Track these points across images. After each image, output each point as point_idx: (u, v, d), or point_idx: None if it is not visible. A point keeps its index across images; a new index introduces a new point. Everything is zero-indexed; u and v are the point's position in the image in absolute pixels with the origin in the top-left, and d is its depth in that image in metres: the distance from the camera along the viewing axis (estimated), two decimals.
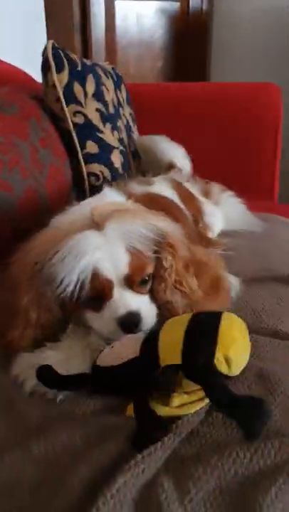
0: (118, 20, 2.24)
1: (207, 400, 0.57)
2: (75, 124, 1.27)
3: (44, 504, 0.47)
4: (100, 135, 1.30)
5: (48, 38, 1.99)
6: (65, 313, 0.71)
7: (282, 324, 0.81)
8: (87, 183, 1.29)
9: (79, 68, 1.30)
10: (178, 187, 1.18)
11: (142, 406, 0.55)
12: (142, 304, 0.70)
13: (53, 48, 1.25)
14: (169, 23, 2.47)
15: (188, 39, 2.53)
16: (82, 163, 1.28)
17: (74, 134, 1.26)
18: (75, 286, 0.65)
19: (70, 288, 0.65)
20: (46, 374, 0.60)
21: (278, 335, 0.77)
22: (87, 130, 1.28)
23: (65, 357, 0.67)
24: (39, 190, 1.09)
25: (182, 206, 1.09)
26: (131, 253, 0.69)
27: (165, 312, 0.73)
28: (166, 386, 0.56)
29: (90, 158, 1.29)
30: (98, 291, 0.67)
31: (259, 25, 2.52)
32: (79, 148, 1.27)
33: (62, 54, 1.26)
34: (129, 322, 0.67)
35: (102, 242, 0.67)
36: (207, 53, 2.59)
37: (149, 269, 0.71)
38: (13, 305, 0.70)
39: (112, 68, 1.58)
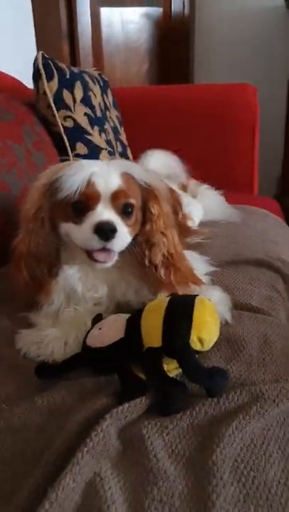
0: (104, 27, 2.34)
1: None
2: (65, 128, 1.38)
3: (47, 441, 0.57)
4: (89, 137, 1.41)
5: (37, 47, 2.09)
6: (57, 236, 0.80)
7: (252, 299, 0.92)
8: None
9: (67, 76, 1.40)
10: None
11: (126, 371, 0.66)
12: (119, 223, 0.76)
13: (43, 57, 1.36)
14: (152, 27, 2.58)
15: (172, 42, 2.64)
16: None
17: (65, 137, 1.38)
18: (74, 190, 0.74)
19: (71, 189, 0.74)
20: (44, 369, 0.70)
21: (247, 308, 0.89)
22: (77, 133, 1.39)
23: (62, 334, 0.78)
24: None
25: None
26: (123, 180, 0.78)
27: (141, 258, 0.81)
28: (151, 366, 0.65)
29: (80, 159, 1.39)
30: (86, 199, 0.75)
31: (238, 28, 2.63)
32: (70, 150, 1.38)
33: (51, 63, 1.37)
34: (105, 228, 0.73)
35: (101, 164, 0.79)
36: (190, 55, 2.70)
37: (133, 200, 0.79)
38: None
39: (99, 74, 1.69)
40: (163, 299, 0.71)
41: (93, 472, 0.53)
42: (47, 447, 0.57)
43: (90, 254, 0.77)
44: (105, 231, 0.73)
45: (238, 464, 0.54)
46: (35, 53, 1.42)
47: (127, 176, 0.79)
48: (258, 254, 1.11)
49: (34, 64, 1.36)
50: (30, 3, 2.07)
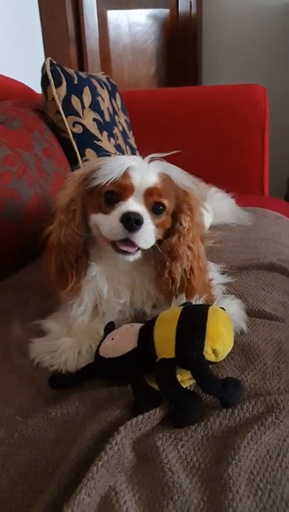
0: (111, 30, 2.35)
1: None
2: (74, 134, 1.38)
3: (62, 453, 0.58)
4: (98, 143, 1.41)
5: (45, 51, 2.10)
6: (87, 229, 0.80)
7: (265, 306, 0.91)
8: None
9: (75, 82, 1.41)
10: None
11: (139, 382, 0.66)
12: (147, 217, 0.76)
13: (51, 64, 1.36)
14: (160, 29, 2.57)
15: (179, 44, 2.63)
16: None
17: (74, 143, 1.38)
18: (109, 179, 0.75)
19: (106, 179, 0.75)
20: (57, 379, 0.70)
21: (262, 314, 0.88)
22: (86, 139, 1.39)
23: (75, 343, 0.78)
24: (45, 196, 1.20)
25: None
26: (160, 180, 0.78)
27: (160, 268, 0.80)
28: (164, 377, 0.65)
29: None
30: (119, 190, 0.76)
31: (247, 27, 2.61)
32: (79, 156, 1.38)
33: (59, 69, 1.37)
34: (131, 218, 0.73)
35: (141, 161, 0.80)
36: (198, 56, 2.69)
37: (166, 201, 0.78)
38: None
39: (107, 78, 1.69)
40: (176, 308, 0.71)
41: (108, 486, 0.52)
42: (61, 460, 0.57)
43: (114, 244, 0.76)
44: (131, 221, 0.73)
45: (254, 477, 0.54)
46: (43, 58, 1.42)
47: (165, 177, 0.79)
48: (270, 258, 1.10)
49: (42, 70, 1.36)
50: (37, 9, 2.08)
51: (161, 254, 0.80)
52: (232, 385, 0.64)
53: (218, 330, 0.65)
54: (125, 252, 0.76)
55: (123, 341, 0.70)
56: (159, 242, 0.80)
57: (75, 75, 1.43)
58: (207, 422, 0.61)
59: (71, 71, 1.43)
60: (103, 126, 1.45)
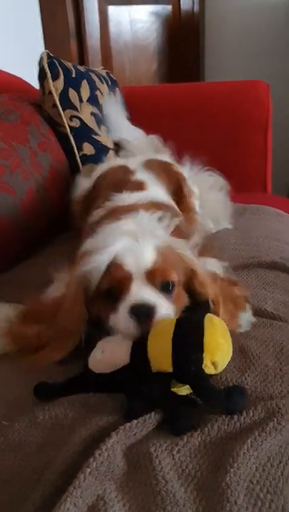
0: (112, 26, 2.31)
1: None
2: (71, 128, 1.35)
3: (48, 458, 0.54)
4: (96, 137, 1.38)
5: (46, 47, 2.07)
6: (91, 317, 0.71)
7: (266, 305, 0.87)
8: None
9: (73, 75, 1.37)
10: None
11: (133, 387, 0.62)
12: (160, 300, 0.67)
13: (48, 57, 1.33)
14: (161, 26, 2.54)
15: (181, 40, 2.60)
16: (80, 164, 1.36)
17: (71, 137, 1.34)
18: (98, 273, 0.67)
19: (95, 275, 0.67)
20: (43, 389, 0.64)
21: (263, 314, 0.84)
22: (84, 133, 1.36)
23: None
24: (40, 191, 1.17)
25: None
26: (159, 254, 0.69)
27: None
28: (160, 390, 0.60)
29: (86, 160, 1.36)
30: (117, 283, 0.67)
31: (249, 24, 2.58)
32: (76, 151, 1.35)
33: (56, 62, 1.34)
34: (142, 311, 0.65)
35: (130, 238, 0.70)
36: (200, 53, 2.65)
37: (174, 276, 0.70)
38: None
39: (107, 73, 1.65)
40: (169, 320, 0.65)
41: (96, 495, 0.49)
42: (47, 466, 0.53)
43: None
44: (142, 314, 0.65)
45: (253, 486, 0.50)
46: None
47: (164, 249, 0.71)
48: (272, 257, 1.06)
49: (39, 63, 1.33)
50: (37, 4, 2.05)
51: None
52: (236, 393, 0.60)
53: (217, 341, 0.61)
54: None
55: (114, 356, 0.65)
56: None
57: (72, 69, 1.40)
58: (204, 428, 0.57)
59: (69, 64, 1.40)
60: (101, 120, 1.41)
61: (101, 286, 0.68)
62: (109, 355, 0.65)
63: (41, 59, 1.33)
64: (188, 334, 0.61)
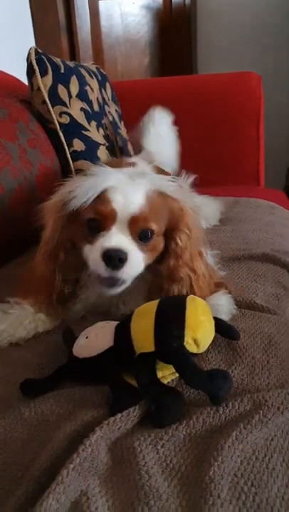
0: (103, 20, 2.30)
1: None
2: (61, 124, 1.34)
3: (32, 454, 0.54)
4: (86, 133, 1.37)
5: (36, 42, 2.06)
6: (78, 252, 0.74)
7: (257, 297, 0.87)
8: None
9: (62, 71, 1.36)
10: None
11: (117, 380, 0.61)
12: (133, 249, 0.69)
13: (36, 53, 1.32)
14: (153, 19, 2.52)
15: (173, 34, 2.58)
16: (70, 161, 1.35)
17: (61, 134, 1.33)
18: (87, 205, 0.68)
19: (79, 199, 0.68)
20: (29, 385, 0.64)
21: (252, 307, 0.84)
22: (73, 129, 1.35)
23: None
24: (29, 188, 1.16)
25: None
26: (147, 201, 0.69)
27: (156, 290, 0.75)
28: (144, 372, 0.60)
29: (77, 156, 1.35)
30: (101, 218, 0.68)
31: (241, 16, 2.56)
32: (66, 147, 1.34)
33: (45, 58, 1.33)
34: (113, 256, 0.67)
35: (124, 178, 0.71)
36: (192, 47, 2.64)
37: (154, 226, 0.71)
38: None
39: (97, 68, 1.64)
40: (152, 302, 0.66)
41: (80, 491, 0.49)
42: (32, 463, 0.53)
43: (99, 277, 0.71)
44: (113, 259, 0.67)
45: (237, 480, 0.50)
46: None
47: (153, 195, 0.71)
48: (263, 249, 1.06)
49: (27, 59, 1.32)
50: None
51: (159, 277, 0.74)
52: (219, 377, 0.59)
53: (198, 319, 0.62)
54: (110, 285, 0.71)
55: (98, 340, 0.65)
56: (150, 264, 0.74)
57: (61, 64, 1.38)
58: (190, 421, 0.57)
59: (58, 60, 1.38)
60: (91, 116, 1.40)
61: (83, 214, 0.70)
62: (93, 339, 0.65)
63: (29, 55, 1.32)
64: (170, 312, 0.62)
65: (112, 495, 0.49)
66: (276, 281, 0.96)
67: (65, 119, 1.34)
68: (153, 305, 0.64)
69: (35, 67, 1.30)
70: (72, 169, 1.36)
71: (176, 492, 0.49)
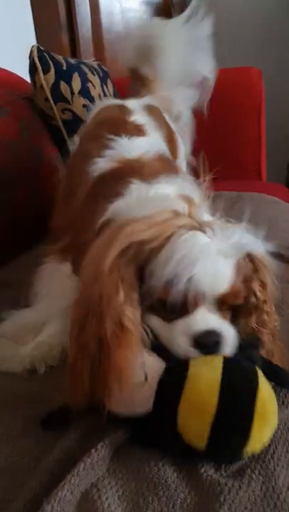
0: (104, 17, 2.29)
1: None
2: (64, 121, 1.35)
3: (46, 449, 0.55)
4: None
5: (37, 39, 2.06)
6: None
7: None
8: None
9: (64, 68, 1.37)
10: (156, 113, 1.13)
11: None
12: (226, 328, 0.58)
13: (38, 50, 1.33)
14: (154, 14, 2.52)
15: None
16: None
17: (63, 130, 1.34)
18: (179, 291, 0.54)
19: (174, 291, 0.54)
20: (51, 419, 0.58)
21: None
22: (76, 126, 1.35)
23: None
24: (34, 185, 1.17)
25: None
26: (237, 273, 0.58)
27: None
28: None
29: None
30: (184, 300, 0.56)
31: (241, 10, 2.56)
32: (69, 143, 1.35)
33: (47, 56, 1.34)
34: (209, 341, 0.55)
35: (213, 250, 0.56)
36: None
37: (242, 299, 0.60)
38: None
39: (98, 64, 1.65)
40: (212, 386, 0.51)
41: (90, 483, 0.50)
42: (45, 456, 0.54)
43: None
44: (208, 346, 0.55)
45: (245, 468, 0.51)
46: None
47: (242, 264, 0.59)
48: (266, 244, 1.07)
49: (29, 57, 1.33)
50: None
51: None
52: None
53: (263, 432, 0.51)
54: None
55: (134, 399, 0.53)
56: None
57: (63, 62, 1.39)
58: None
59: (59, 57, 1.39)
60: None
61: (157, 292, 0.56)
62: (128, 395, 0.52)
63: (31, 53, 1.33)
64: (233, 420, 0.50)
65: (122, 485, 0.50)
66: (279, 276, 0.97)
67: (68, 116, 1.35)
68: (211, 399, 0.50)
69: (38, 64, 1.31)
70: None
71: (185, 482, 0.50)
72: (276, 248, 1.04)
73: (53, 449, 0.54)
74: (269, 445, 0.53)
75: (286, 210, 1.39)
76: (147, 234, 0.56)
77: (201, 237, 0.57)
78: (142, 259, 0.56)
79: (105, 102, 1.21)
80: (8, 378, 0.70)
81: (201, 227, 0.58)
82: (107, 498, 0.48)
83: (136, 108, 1.07)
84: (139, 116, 1.03)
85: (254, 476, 0.50)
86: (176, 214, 0.60)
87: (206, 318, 0.56)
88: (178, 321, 0.56)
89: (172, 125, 1.20)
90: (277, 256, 1.03)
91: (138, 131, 0.97)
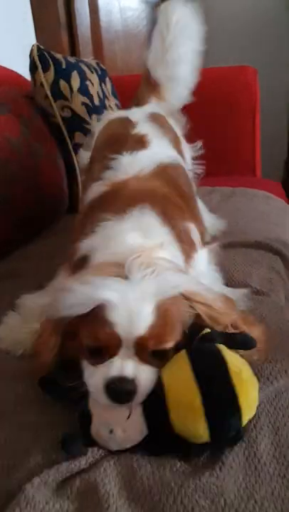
0: (102, 16, 2.33)
1: None
2: (63, 118, 1.39)
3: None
4: (87, 126, 1.42)
5: (37, 38, 2.10)
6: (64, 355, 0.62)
7: (251, 281, 0.93)
8: (78, 170, 1.41)
9: (63, 66, 1.41)
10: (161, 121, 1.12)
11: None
12: (144, 375, 0.56)
13: (38, 49, 1.37)
14: (151, 14, 2.55)
15: None
16: (72, 153, 1.41)
17: (63, 127, 1.39)
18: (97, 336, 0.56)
19: (93, 337, 0.57)
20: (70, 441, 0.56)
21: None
22: (75, 122, 1.41)
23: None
24: (33, 181, 1.21)
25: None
26: (158, 315, 0.56)
27: None
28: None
29: (79, 148, 1.41)
30: (102, 345, 0.56)
31: (239, 10, 2.60)
32: (68, 140, 1.39)
33: (47, 54, 1.38)
34: (118, 389, 0.54)
35: (126, 288, 0.57)
36: None
37: (170, 343, 0.58)
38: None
39: (97, 63, 1.69)
40: (189, 384, 0.54)
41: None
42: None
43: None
44: (118, 393, 0.55)
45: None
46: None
47: (165, 303, 0.57)
48: (258, 237, 1.11)
49: (30, 56, 1.37)
50: None
51: None
52: None
53: (250, 395, 0.55)
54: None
55: (129, 435, 0.55)
56: None
57: (63, 60, 1.43)
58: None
59: (59, 56, 1.43)
60: (92, 109, 1.45)
61: (81, 335, 0.58)
62: (121, 435, 0.54)
63: (31, 52, 1.37)
64: (220, 397, 0.53)
65: (117, 455, 0.54)
66: (270, 267, 1.01)
67: (67, 113, 1.39)
68: (193, 392, 0.53)
69: (38, 63, 1.35)
70: (75, 161, 1.41)
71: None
72: (267, 241, 1.09)
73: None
74: (252, 417, 0.57)
75: (278, 205, 1.43)
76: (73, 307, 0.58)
77: (120, 285, 0.57)
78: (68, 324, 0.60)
79: (110, 115, 1.19)
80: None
81: (126, 273, 0.58)
82: (102, 464, 0.52)
83: (140, 118, 1.07)
84: (142, 127, 1.02)
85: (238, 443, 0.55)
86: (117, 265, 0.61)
87: (122, 363, 0.55)
88: (99, 366, 0.56)
89: (178, 131, 1.20)
90: (269, 248, 1.08)
91: (140, 143, 0.96)
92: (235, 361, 0.56)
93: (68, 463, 0.52)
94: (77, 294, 0.57)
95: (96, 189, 0.87)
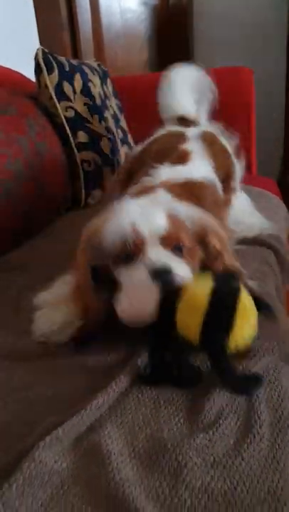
0: (103, 17, 2.38)
1: None
2: (67, 118, 1.45)
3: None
4: (89, 125, 1.49)
5: (40, 39, 2.15)
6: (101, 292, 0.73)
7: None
8: (80, 168, 1.48)
9: (67, 69, 1.47)
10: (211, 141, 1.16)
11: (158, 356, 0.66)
12: (175, 261, 0.69)
13: (43, 53, 1.43)
14: (151, 15, 2.61)
15: (171, 28, 2.67)
16: (76, 152, 1.47)
17: (66, 127, 1.45)
18: (118, 245, 0.69)
19: (114, 248, 0.69)
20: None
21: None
22: (78, 122, 1.47)
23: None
24: (38, 177, 1.27)
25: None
26: (170, 221, 0.71)
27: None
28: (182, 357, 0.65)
29: (82, 147, 1.47)
30: (131, 247, 0.69)
31: (237, 11, 2.64)
32: (72, 139, 1.46)
33: (51, 57, 1.44)
34: (164, 276, 0.67)
35: (142, 205, 0.73)
36: (190, 41, 2.73)
37: (184, 239, 0.72)
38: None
39: (98, 65, 1.75)
40: (204, 290, 0.65)
41: (94, 419, 0.60)
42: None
43: None
44: (164, 279, 0.67)
45: (223, 408, 0.62)
46: (38, 46, 1.48)
47: (174, 216, 0.73)
48: (253, 232, 1.17)
49: (35, 59, 1.43)
50: None
51: None
52: (252, 381, 0.64)
53: (244, 327, 0.64)
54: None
55: (142, 309, 0.67)
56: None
57: (66, 63, 1.49)
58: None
59: (62, 59, 1.49)
60: (94, 109, 1.52)
61: (113, 251, 0.70)
62: (136, 306, 0.68)
63: (36, 55, 1.43)
64: (220, 316, 0.63)
65: (120, 417, 0.60)
66: (263, 260, 1.07)
67: (71, 113, 1.46)
68: (204, 297, 0.64)
69: (43, 66, 1.42)
70: (78, 160, 1.47)
71: (174, 417, 0.61)
72: (261, 236, 1.15)
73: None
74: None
75: (272, 201, 1.49)
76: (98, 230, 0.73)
77: (130, 203, 0.74)
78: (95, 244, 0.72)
79: (172, 127, 1.24)
80: None
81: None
82: (106, 427, 0.58)
83: (193, 135, 1.13)
84: (191, 144, 1.08)
85: (234, 409, 0.61)
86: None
87: (157, 255, 0.69)
88: (135, 263, 0.69)
89: (229, 148, 1.24)
90: (262, 243, 1.14)
91: (182, 158, 1.02)
92: (246, 298, 0.66)
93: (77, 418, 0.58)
94: (110, 226, 0.71)
95: (130, 190, 0.96)
